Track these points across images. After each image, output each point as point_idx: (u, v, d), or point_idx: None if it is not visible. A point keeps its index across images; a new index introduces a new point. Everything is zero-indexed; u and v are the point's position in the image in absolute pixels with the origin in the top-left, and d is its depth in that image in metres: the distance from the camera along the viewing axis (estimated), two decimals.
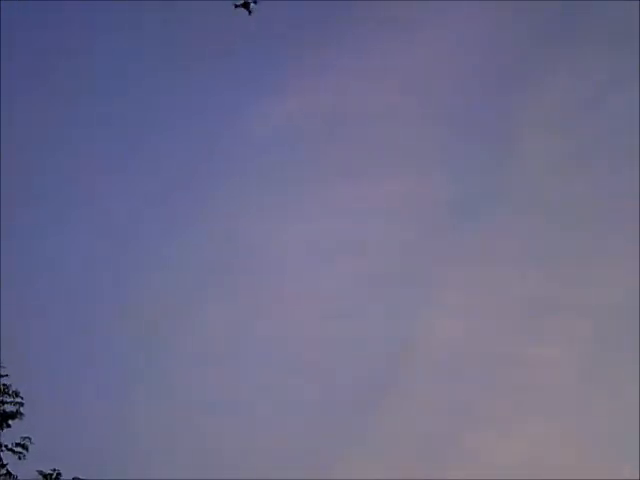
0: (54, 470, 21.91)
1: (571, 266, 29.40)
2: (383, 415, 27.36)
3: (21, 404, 20.65)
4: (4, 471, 20.90)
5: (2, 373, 20.76)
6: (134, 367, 29.62)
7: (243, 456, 27.39)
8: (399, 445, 27.64)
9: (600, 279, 29.21)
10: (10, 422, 20.80)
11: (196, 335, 29.55)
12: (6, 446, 20.81)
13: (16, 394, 20.78)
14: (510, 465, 27.04)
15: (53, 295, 31.84)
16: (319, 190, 31.82)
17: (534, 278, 29.35)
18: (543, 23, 32.57)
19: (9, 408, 20.19)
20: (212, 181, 33.25)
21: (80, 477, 22.14)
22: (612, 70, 31.22)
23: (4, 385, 20.63)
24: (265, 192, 31.76)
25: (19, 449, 21.10)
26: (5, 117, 34.14)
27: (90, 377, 30.02)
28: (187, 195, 33.31)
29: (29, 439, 21.08)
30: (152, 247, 32.93)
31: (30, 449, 21.15)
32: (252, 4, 33.36)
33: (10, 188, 33.20)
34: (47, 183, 34.41)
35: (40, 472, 22.95)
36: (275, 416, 28.18)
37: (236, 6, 33.19)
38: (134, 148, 33.92)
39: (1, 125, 33.97)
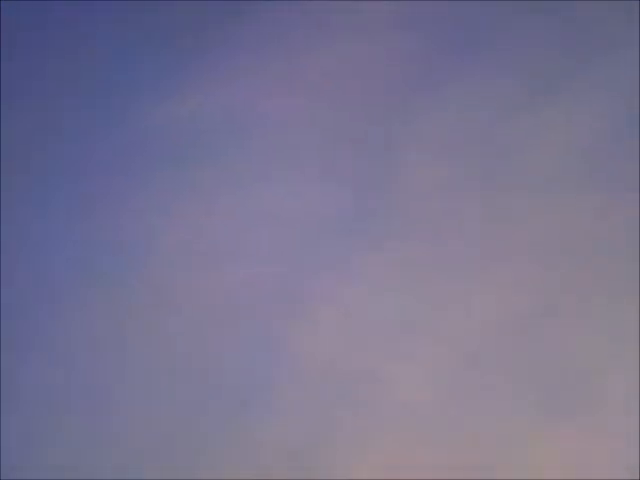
0: None
1: (440, 287, 29.58)
2: (247, 424, 27.99)
3: None
4: None
5: None
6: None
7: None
8: (264, 454, 28.28)
9: (469, 301, 29.50)
10: None
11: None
12: None
13: None
14: None
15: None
16: (198, 194, 31.95)
17: (400, 299, 29.58)
18: (443, 45, 32.26)
19: None
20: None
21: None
22: (506, 98, 30.93)
23: None
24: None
25: None
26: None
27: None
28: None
29: None
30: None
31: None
32: None
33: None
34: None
35: None
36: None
37: None
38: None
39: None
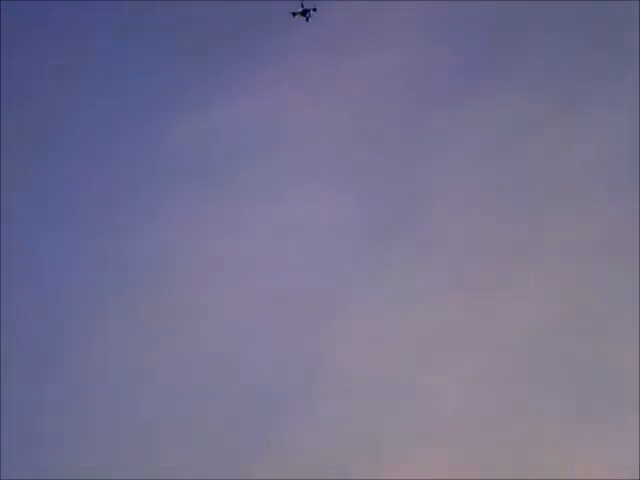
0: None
1: (476, 300, 30.50)
2: (285, 429, 28.80)
3: None
4: None
5: None
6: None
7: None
8: (299, 458, 29.01)
9: (499, 313, 30.33)
10: None
11: None
12: None
13: None
14: None
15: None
16: (231, 206, 33.11)
17: (435, 311, 30.51)
18: (465, 61, 33.47)
19: None
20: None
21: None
22: (525, 114, 32.19)
23: None
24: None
25: None
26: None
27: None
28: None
29: None
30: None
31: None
32: (312, 11, 34.00)
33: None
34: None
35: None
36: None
37: (294, 14, 33.80)
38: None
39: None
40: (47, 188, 35.21)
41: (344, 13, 34.50)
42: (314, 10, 31.59)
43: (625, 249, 30.12)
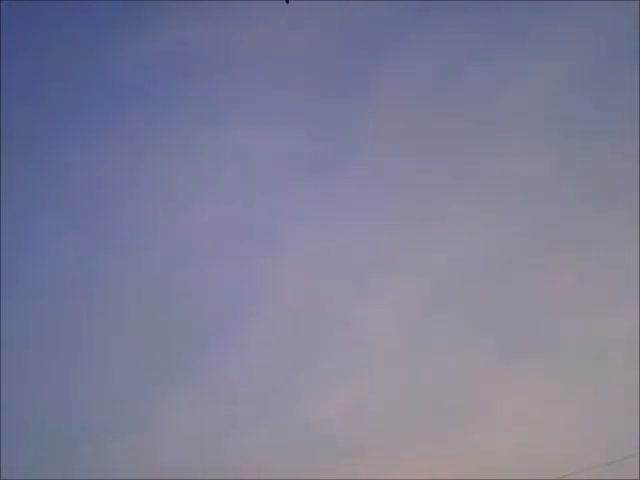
0: None
1: (405, 230, 30.51)
2: (214, 354, 28.77)
3: None
4: None
5: None
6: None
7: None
8: (227, 386, 29.02)
9: (435, 244, 30.43)
10: None
11: None
12: None
13: None
14: (332, 419, 28.58)
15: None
16: (174, 132, 32.52)
17: (368, 240, 30.54)
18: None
19: None
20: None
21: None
22: (470, 43, 31.69)
23: None
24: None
25: None
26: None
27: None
28: None
29: None
30: None
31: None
32: None
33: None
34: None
35: None
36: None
37: None
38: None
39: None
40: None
41: None
42: None
43: (568, 186, 30.19)
